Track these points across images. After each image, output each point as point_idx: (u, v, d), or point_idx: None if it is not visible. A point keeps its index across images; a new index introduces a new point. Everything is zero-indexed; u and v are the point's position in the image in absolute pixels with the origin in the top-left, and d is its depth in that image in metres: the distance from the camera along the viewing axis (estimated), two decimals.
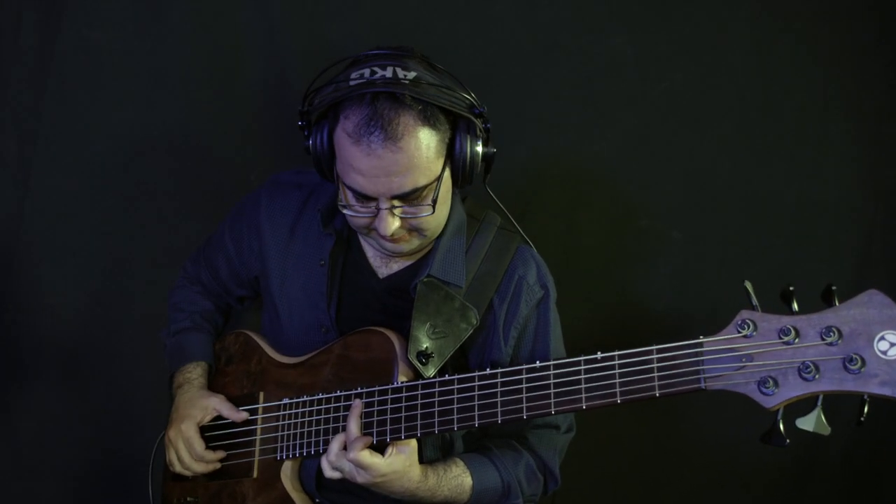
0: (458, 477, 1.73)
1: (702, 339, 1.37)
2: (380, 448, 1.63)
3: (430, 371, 1.67)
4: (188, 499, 1.92)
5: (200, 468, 1.87)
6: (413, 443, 1.65)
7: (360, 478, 1.61)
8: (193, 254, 2.12)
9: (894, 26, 2.25)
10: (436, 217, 1.69)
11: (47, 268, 2.41)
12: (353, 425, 1.62)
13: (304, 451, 1.75)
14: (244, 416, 1.84)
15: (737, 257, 2.34)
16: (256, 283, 2.00)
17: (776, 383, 1.30)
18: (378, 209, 1.64)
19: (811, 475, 2.40)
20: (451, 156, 1.66)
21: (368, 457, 1.59)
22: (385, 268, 1.85)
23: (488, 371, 1.57)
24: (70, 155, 2.38)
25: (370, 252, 1.86)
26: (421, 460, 1.72)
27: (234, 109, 2.39)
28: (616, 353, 1.45)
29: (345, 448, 1.62)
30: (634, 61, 2.31)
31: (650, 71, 2.31)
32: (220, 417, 1.88)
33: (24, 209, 2.39)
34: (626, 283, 2.40)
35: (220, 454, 1.86)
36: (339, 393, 1.71)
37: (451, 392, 1.60)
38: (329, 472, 1.65)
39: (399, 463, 1.62)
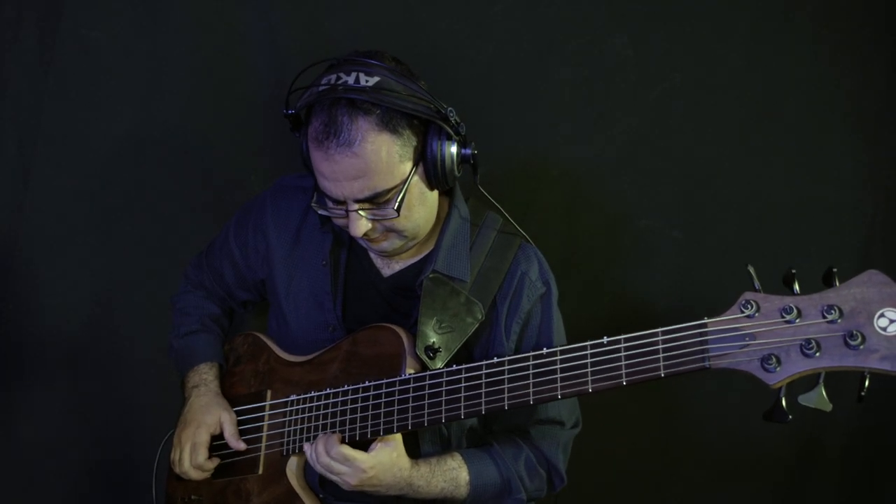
0: (454, 470, 1.75)
1: (706, 320, 1.39)
2: (365, 447, 1.66)
3: (438, 365, 1.69)
4: (192, 497, 1.93)
5: (195, 475, 1.89)
6: (398, 436, 1.68)
7: (351, 479, 1.64)
8: (195, 259, 2.13)
9: (894, 26, 2.25)
10: (410, 219, 1.71)
11: (47, 268, 2.41)
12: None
13: None
14: (242, 446, 1.86)
15: (737, 257, 2.34)
16: (262, 286, 2.01)
17: (779, 361, 1.33)
18: (347, 211, 1.67)
19: (811, 472, 2.39)
20: (424, 159, 1.68)
21: (350, 450, 1.63)
22: (387, 267, 1.87)
23: (495, 360, 1.60)
24: (70, 155, 2.38)
25: (372, 251, 1.87)
26: (418, 456, 1.74)
27: (234, 109, 2.39)
28: (622, 336, 1.47)
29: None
30: (634, 61, 2.31)
31: (650, 71, 2.31)
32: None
33: (24, 209, 2.39)
34: (626, 283, 2.39)
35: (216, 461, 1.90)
36: (346, 387, 1.73)
37: (458, 381, 1.62)
38: (322, 471, 1.69)
39: (385, 454, 1.65)
